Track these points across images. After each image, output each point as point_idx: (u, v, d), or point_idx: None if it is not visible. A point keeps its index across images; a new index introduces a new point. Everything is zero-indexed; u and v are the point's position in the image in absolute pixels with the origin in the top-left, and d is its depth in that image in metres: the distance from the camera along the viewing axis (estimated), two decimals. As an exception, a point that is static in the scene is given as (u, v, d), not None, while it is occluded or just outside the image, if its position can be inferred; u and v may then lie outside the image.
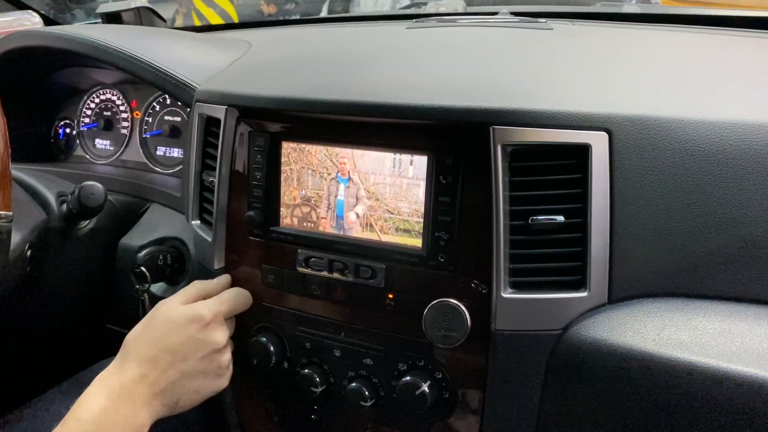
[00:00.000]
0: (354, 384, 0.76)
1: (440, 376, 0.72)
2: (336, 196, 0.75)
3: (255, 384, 0.87)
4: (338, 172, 0.74)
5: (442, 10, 1.31)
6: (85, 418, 0.64)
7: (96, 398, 0.66)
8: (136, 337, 0.71)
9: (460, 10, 1.33)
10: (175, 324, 0.71)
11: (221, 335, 0.73)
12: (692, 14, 1.07)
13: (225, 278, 0.82)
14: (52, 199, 0.93)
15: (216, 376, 0.74)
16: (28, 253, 0.85)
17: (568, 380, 0.67)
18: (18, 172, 0.93)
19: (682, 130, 0.65)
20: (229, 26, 1.63)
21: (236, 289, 0.80)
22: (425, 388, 0.71)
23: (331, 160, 0.74)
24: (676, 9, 1.26)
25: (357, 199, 0.74)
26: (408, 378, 0.72)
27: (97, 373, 0.96)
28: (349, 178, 0.74)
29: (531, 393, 0.69)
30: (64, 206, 0.94)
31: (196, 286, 0.78)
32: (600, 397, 0.65)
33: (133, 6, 1.36)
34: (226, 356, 0.75)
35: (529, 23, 1.01)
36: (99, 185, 0.91)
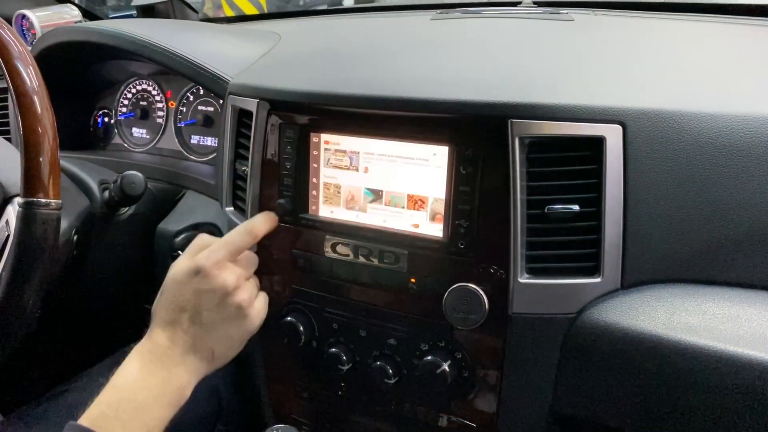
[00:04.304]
0: (378, 362, 0.80)
1: (460, 356, 0.76)
2: (363, 186, 0.79)
3: (285, 362, 0.91)
4: (362, 163, 0.78)
5: (466, -1, 1.33)
6: (119, 384, 0.65)
7: (130, 367, 0.67)
8: (156, 304, 0.73)
9: (485, 0, 1.34)
10: (179, 281, 0.71)
11: (227, 277, 0.71)
12: (715, 3, 1.07)
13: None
14: (95, 186, 0.98)
15: (239, 317, 0.72)
16: (75, 237, 0.90)
17: (581, 361, 0.70)
18: (63, 161, 0.98)
19: (694, 123, 0.67)
20: (259, 17, 1.67)
21: (236, 229, 0.78)
22: (445, 367, 0.75)
23: (359, 152, 0.78)
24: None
25: (381, 188, 0.78)
26: (429, 357, 0.76)
27: (137, 350, 1.02)
28: (373, 169, 0.78)
29: (546, 372, 0.72)
30: (106, 193, 0.99)
31: (202, 238, 0.77)
32: (612, 378, 0.68)
33: (166, -2, 1.41)
34: (241, 296, 0.72)
35: (550, 14, 1.02)
36: (140, 175, 0.96)
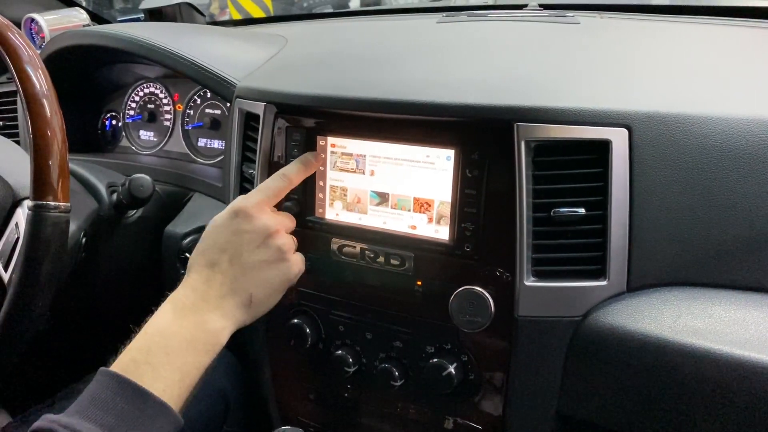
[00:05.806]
0: (384, 365, 0.80)
1: (466, 358, 0.76)
2: (369, 189, 0.79)
3: (292, 364, 0.91)
4: (368, 166, 0.78)
5: (472, 2, 1.33)
6: (151, 330, 0.63)
7: (162, 313, 0.65)
8: (194, 252, 0.71)
9: (490, 2, 1.34)
10: (221, 225, 0.70)
11: (269, 220, 0.70)
12: (722, 6, 1.07)
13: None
14: (103, 189, 0.99)
15: (280, 261, 0.71)
16: (83, 240, 0.90)
17: (587, 364, 0.70)
18: (71, 164, 0.99)
19: (700, 126, 0.67)
20: (266, 20, 1.67)
21: (272, 176, 0.76)
22: (452, 369, 0.75)
23: (365, 155, 0.78)
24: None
25: (387, 191, 0.78)
26: (435, 360, 0.76)
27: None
28: (379, 172, 0.78)
29: (552, 375, 0.72)
30: (114, 196, 0.99)
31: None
32: (617, 380, 0.68)
33: (174, 2, 1.42)
34: (284, 239, 0.71)
35: (556, 17, 1.03)
36: (148, 178, 0.96)
